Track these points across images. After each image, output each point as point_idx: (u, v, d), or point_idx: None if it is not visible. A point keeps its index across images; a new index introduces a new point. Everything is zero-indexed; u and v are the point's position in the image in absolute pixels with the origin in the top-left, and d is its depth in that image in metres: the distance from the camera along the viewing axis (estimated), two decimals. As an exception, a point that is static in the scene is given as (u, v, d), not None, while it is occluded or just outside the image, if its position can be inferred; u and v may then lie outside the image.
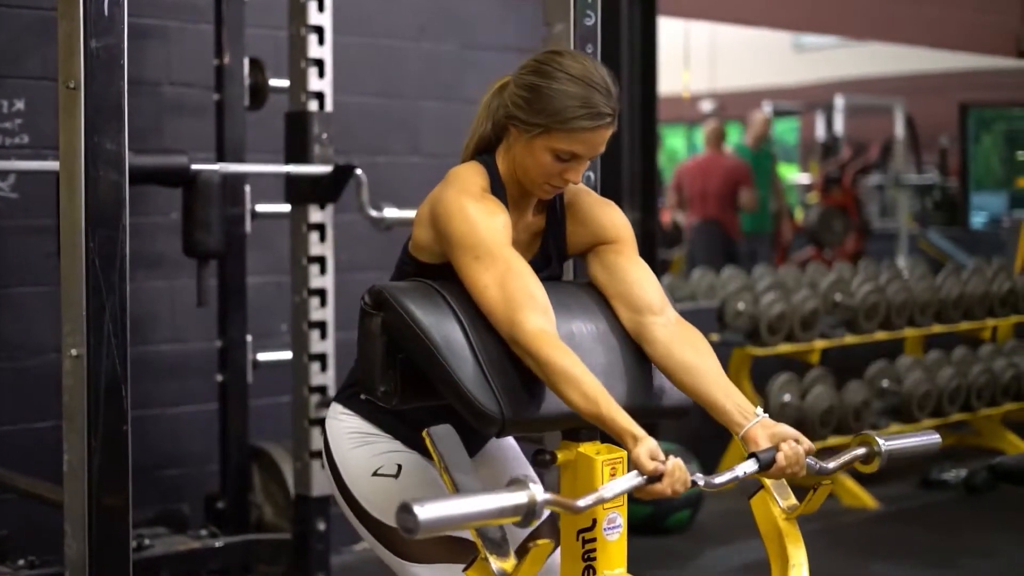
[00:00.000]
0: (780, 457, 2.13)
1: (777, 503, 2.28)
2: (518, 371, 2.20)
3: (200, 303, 3.67)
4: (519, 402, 2.18)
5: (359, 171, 3.72)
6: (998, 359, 6.19)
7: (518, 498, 1.83)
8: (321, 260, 3.81)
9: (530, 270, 2.24)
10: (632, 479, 1.99)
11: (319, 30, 3.76)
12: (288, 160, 3.80)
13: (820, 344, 5.61)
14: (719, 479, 2.08)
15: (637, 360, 2.34)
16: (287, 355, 3.99)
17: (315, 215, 3.79)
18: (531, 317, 2.16)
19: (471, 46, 4.96)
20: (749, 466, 2.11)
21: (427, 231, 2.32)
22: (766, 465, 2.11)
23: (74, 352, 2.50)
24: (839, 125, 13.53)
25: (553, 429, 2.27)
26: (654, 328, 2.32)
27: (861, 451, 2.27)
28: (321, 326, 3.81)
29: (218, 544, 3.94)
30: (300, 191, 3.80)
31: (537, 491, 1.83)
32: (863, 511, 5.33)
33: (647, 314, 2.33)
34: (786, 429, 2.18)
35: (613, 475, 2.16)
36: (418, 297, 2.26)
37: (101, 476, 2.48)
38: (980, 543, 4.98)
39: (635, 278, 2.38)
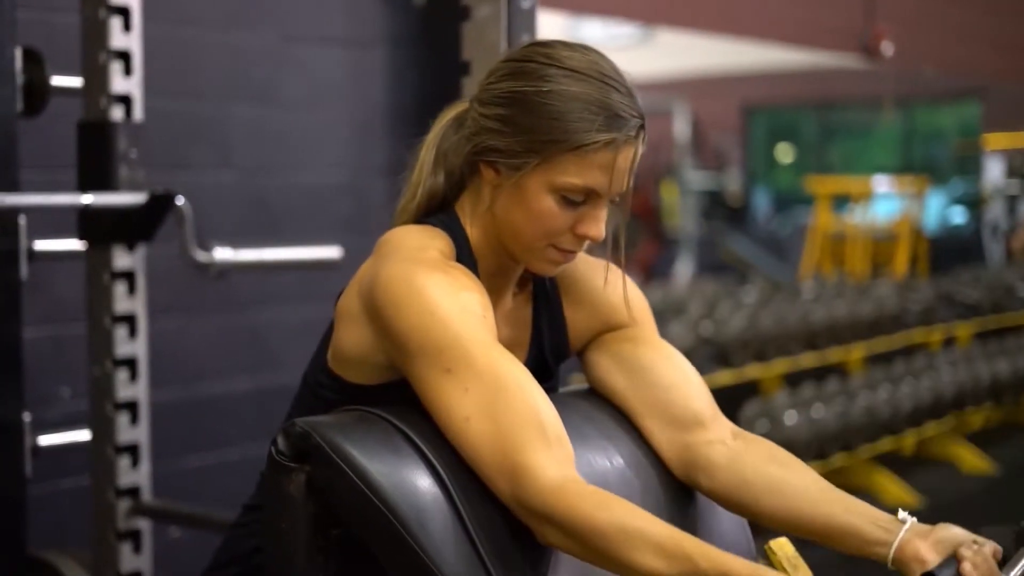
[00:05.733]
0: (967, 568, 1.40)
1: None
2: (537, 553, 1.39)
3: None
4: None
5: (182, 201, 2.80)
6: (874, 391, 5.62)
7: None
8: (130, 319, 2.86)
9: (533, 383, 1.42)
10: None
11: (124, 12, 2.81)
12: (83, 185, 2.83)
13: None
14: None
15: (691, 512, 1.61)
16: (80, 435, 3.05)
17: (122, 259, 2.85)
18: (543, 462, 1.34)
19: (290, 38, 4.07)
20: None
21: (360, 331, 1.48)
22: None
23: None
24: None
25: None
26: (710, 450, 1.59)
27: None
28: (131, 407, 2.87)
29: None
30: (101, 227, 2.83)
31: None
32: None
33: (696, 430, 1.60)
34: (952, 530, 1.45)
35: None
36: (366, 439, 1.41)
37: None
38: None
39: (672, 379, 1.62)
